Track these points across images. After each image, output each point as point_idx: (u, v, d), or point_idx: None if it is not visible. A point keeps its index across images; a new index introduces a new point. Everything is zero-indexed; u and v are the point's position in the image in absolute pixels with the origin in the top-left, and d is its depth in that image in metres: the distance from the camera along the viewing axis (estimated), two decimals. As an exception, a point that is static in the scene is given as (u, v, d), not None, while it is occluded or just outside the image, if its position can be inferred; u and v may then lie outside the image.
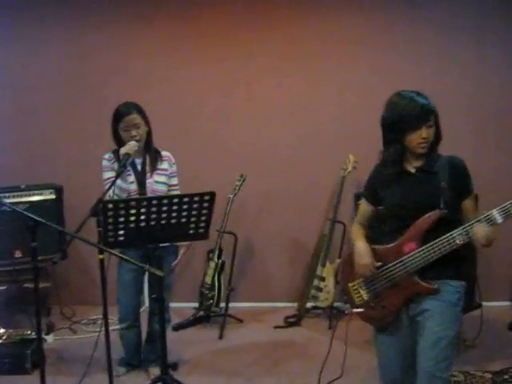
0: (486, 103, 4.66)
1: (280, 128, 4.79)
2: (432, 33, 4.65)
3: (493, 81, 4.66)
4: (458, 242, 2.15)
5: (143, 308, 3.89)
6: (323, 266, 4.42)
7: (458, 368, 3.36)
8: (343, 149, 4.46)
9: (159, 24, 4.76)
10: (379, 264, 2.35)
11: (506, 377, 3.28)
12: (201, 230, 2.76)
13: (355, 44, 4.68)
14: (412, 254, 2.24)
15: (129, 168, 3.21)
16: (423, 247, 2.21)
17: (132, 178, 3.27)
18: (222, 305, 4.40)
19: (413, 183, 2.29)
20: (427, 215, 2.21)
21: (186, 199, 2.64)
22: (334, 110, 4.75)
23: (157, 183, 3.31)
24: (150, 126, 3.33)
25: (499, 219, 2.07)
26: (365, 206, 2.52)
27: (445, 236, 2.16)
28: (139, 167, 3.32)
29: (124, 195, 3.19)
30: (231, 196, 4.35)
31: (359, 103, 4.59)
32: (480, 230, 2.08)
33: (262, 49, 4.74)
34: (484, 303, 3.85)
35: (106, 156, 3.34)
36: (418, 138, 2.20)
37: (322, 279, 4.40)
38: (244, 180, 4.40)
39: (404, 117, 2.18)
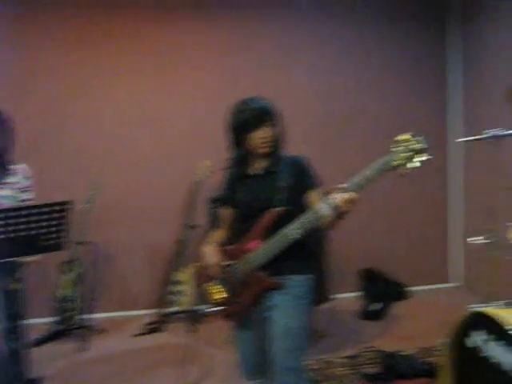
0: (332, 104, 4.99)
1: (137, 135, 4.74)
2: (277, 33, 4.91)
3: (339, 81, 5.00)
4: (295, 235, 2.22)
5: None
6: (180, 270, 4.45)
7: (315, 357, 3.56)
8: (199, 154, 4.51)
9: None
10: (227, 263, 2.43)
11: (359, 360, 3.52)
12: (54, 242, 2.65)
13: (204, 49, 4.81)
14: (255, 251, 2.33)
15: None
16: (264, 244, 2.30)
17: None
18: (83, 316, 4.27)
19: (257, 184, 2.41)
20: (266, 214, 2.31)
21: (35, 210, 2.54)
22: (189, 116, 4.80)
23: (1, 198, 3.13)
24: None
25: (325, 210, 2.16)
26: (222, 210, 2.60)
27: (281, 232, 2.25)
28: None
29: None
30: (86, 206, 4.24)
31: (214, 108, 4.68)
32: (339, 196, 2.18)
33: (121, 56, 4.70)
34: (336, 295, 4.12)
35: None
36: (258, 139, 2.32)
37: (180, 283, 4.44)
38: (98, 188, 4.30)
39: (244, 119, 2.31)
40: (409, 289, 4.92)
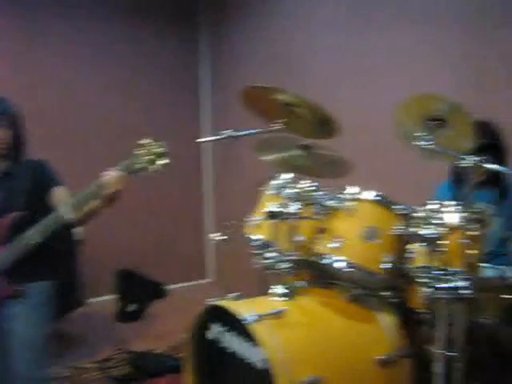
0: (80, 106, 4.80)
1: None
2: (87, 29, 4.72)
3: (89, 83, 4.85)
4: (36, 240, 2.16)
5: None
6: None
7: (68, 364, 3.44)
8: None
9: None
10: None
11: (110, 363, 3.47)
12: None
13: None
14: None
15: None
16: (3, 250, 2.19)
17: None
18: None
19: None
20: (2, 218, 2.21)
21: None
22: None
23: None
24: None
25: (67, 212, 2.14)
26: None
27: (21, 237, 2.17)
28: None
29: None
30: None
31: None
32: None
33: None
34: (91, 299, 4.02)
35: None
36: None
37: None
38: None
39: None
40: (166, 287, 5.00)
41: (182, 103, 5.35)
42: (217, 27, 5.23)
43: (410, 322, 2.37)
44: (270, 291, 2.27)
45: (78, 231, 3.65)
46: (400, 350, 2.21)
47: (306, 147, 2.55)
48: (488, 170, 1.98)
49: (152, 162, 2.18)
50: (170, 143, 4.56)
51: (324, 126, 2.42)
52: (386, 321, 2.26)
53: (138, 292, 4.63)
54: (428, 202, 2.09)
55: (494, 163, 1.96)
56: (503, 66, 2.99)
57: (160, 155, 2.19)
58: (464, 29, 3.15)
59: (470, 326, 2.31)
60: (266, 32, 4.59)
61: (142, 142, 2.23)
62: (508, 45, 2.96)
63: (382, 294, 2.29)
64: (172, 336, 3.81)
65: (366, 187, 2.19)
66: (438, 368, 1.89)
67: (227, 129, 2.50)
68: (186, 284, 5.38)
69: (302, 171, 2.57)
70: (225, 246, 2.60)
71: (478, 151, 2.02)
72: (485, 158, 1.91)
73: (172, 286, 5.11)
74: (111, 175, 2.13)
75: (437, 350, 1.88)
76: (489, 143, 2.41)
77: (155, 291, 4.85)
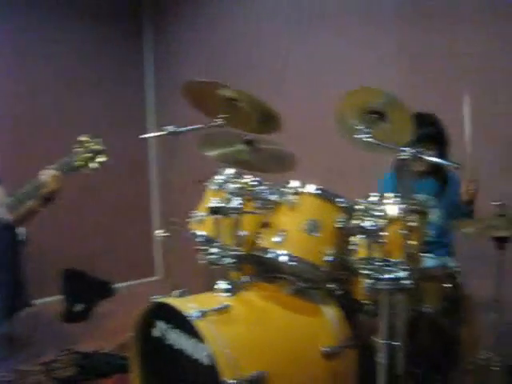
0: (24, 103, 4.67)
1: None
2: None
3: (32, 80, 4.70)
4: None
5: None
6: None
7: (12, 368, 3.32)
8: None
9: None
10: None
11: (56, 365, 3.37)
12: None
13: None
14: None
15: None
16: None
17: None
18: None
19: None
20: None
21: None
22: None
23: None
24: None
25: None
26: None
27: None
28: None
29: None
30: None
31: None
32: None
33: None
34: (37, 300, 3.92)
35: None
36: None
37: None
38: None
39: None
40: (114, 285, 4.93)
41: (129, 98, 5.27)
42: (161, 21, 5.18)
43: (354, 313, 2.41)
44: (214, 287, 2.26)
45: (21, 231, 3.55)
46: (345, 342, 2.24)
47: (249, 142, 2.55)
48: (428, 161, 2.02)
49: (90, 159, 2.15)
50: (116, 139, 4.56)
51: (266, 120, 2.43)
52: (331, 313, 2.29)
53: (85, 291, 4.55)
54: (370, 194, 2.12)
55: (434, 155, 2.00)
56: (438, 62, 3.08)
57: (98, 153, 2.16)
58: (401, 27, 3.27)
59: (413, 315, 2.37)
60: (210, 26, 4.57)
61: (80, 139, 2.19)
62: (442, 40, 3.06)
63: (326, 286, 2.31)
64: (120, 335, 3.74)
65: (309, 181, 2.21)
66: (381, 358, 1.92)
67: (171, 124, 2.48)
68: (134, 282, 5.31)
69: (245, 166, 2.58)
70: (172, 243, 2.58)
71: (418, 142, 2.06)
72: (423, 149, 1.95)
73: (121, 284, 5.05)
74: (48, 174, 2.09)
75: (380, 340, 1.91)
76: (429, 134, 2.46)
77: (102, 290, 4.77)
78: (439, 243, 2.78)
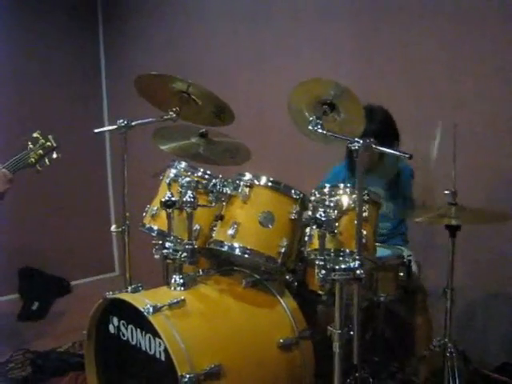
0: None
1: None
2: None
3: None
4: None
5: None
6: None
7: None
8: None
9: None
10: None
11: (11, 365, 3.30)
12: None
13: None
14: None
15: None
16: None
17: None
18: None
19: None
20: None
21: None
22: None
23: None
24: None
25: None
26: None
27: None
28: None
29: None
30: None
31: None
32: None
33: None
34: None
35: None
36: None
37: None
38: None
39: None
40: (72, 283, 4.85)
41: (85, 92, 5.16)
42: (114, 13, 5.08)
43: (311, 304, 2.43)
44: (169, 281, 2.25)
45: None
46: (301, 333, 2.25)
47: (203, 135, 2.54)
48: (379, 152, 2.03)
49: (42, 156, 2.11)
50: (73, 134, 4.46)
51: (219, 113, 2.42)
52: (287, 304, 2.30)
53: (41, 290, 4.47)
54: (325, 185, 2.14)
55: (383, 147, 2.01)
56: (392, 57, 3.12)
57: (50, 150, 2.12)
58: (355, 22, 3.30)
59: (369, 304, 2.39)
60: (163, 19, 4.52)
61: (33, 135, 2.14)
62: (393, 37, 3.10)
63: (281, 277, 2.31)
64: (77, 332, 3.69)
65: (262, 173, 2.20)
66: (337, 347, 1.93)
67: (125, 118, 2.45)
68: (94, 278, 5.23)
69: (200, 159, 2.57)
70: (128, 238, 2.56)
71: (368, 135, 2.07)
72: (374, 141, 1.96)
73: (79, 281, 4.97)
74: None
75: (336, 330, 1.92)
76: (375, 131, 2.47)
77: (59, 288, 4.69)
78: (393, 233, 2.82)
